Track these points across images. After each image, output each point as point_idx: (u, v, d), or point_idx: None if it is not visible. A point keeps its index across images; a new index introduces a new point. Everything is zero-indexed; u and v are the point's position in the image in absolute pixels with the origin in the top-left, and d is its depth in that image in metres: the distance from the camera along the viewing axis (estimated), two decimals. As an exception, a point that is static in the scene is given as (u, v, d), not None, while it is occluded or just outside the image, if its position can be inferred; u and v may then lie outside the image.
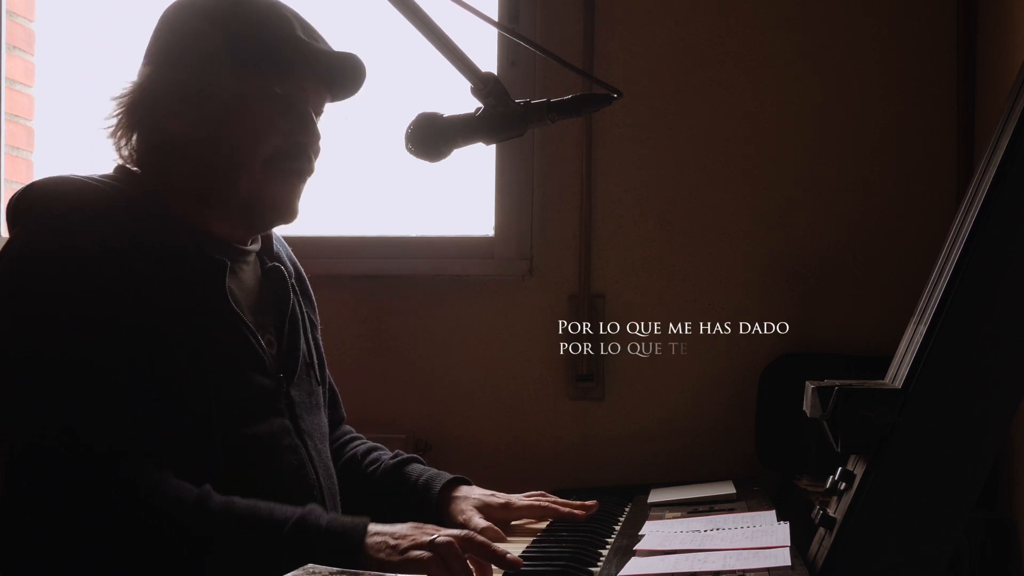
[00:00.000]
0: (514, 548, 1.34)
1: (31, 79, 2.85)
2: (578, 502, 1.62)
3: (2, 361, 1.26)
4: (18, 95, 2.79)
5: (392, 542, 1.22)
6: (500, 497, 1.57)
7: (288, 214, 1.46)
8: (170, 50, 1.41)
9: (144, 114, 1.40)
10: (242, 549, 1.21)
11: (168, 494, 1.22)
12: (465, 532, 1.27)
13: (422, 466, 1.64)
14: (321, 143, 1.46)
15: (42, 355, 1.24)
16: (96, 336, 1.25)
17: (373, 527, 1.25)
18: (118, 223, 1.31)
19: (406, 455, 1.66)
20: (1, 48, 2.71)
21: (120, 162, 1.44)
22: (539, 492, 1.64)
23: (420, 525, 1.27)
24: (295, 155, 1.43)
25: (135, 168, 1.43)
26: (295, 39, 1.41)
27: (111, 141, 1.43)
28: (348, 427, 1.78)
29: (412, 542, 1.22)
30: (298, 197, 1.46)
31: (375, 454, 1.69)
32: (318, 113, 1.47)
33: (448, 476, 1.59)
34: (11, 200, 1.37)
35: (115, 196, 1.35)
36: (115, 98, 1.42)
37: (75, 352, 1.24)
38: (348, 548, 1.21)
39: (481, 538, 1.26)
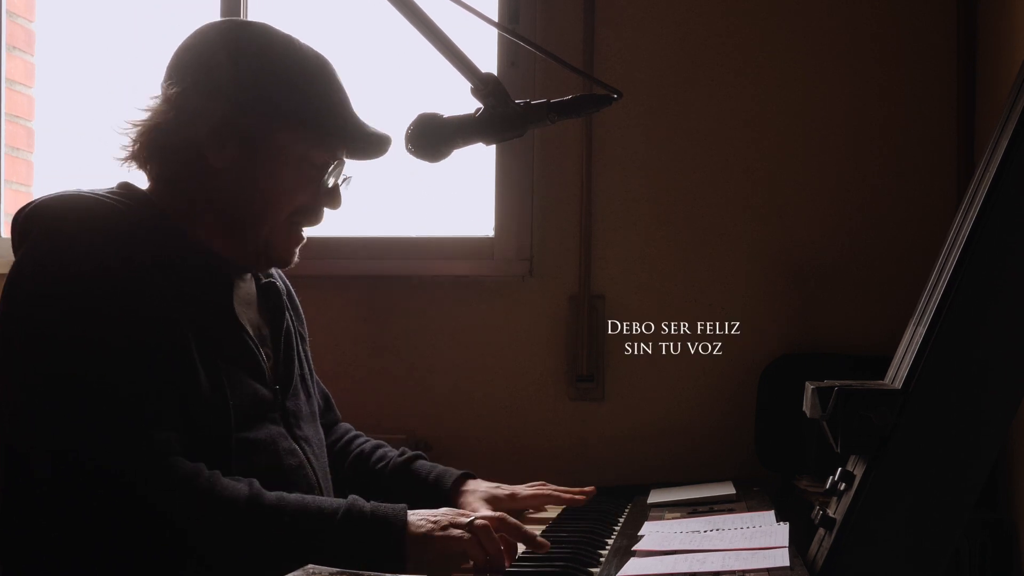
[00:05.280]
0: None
1: (31, 79, 2.85)
2: (577, 488, 1.72)
3: (28, 375, 1.27)
4: (18, 95, 2.79)
5: (433, 519, 1.33)
6: (505, 489, 1.66)
7: (288, 263, 1.52)
8: (227, 84, 1.40)
9: (182, 139, 1.40)
10: (298, 540, 1.27)
11: (222, 494, 1.26)
12: (499, 514, 1.38)
13: (429, 463, 1.71)
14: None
15: (67, 369, 1.25)
16: (117, 345, 1.26)
17: (412, 510, 1.34)
18: (126, 239, 1.33)
19: (411, 452, 1.73)
20: (1, 48, 2.71)
21: (130, 174, 1.46)
22: (540, 483, 1.73)
23: (456, 509, 1.38)
24: (314, 214, 1.50)
25: (145, 181, 1.46)
26: (351, 117, 1.48)
27: (123, 156, 1.43)
28: (347, 425, 1.82)
29: (451, 521, 1.32)
30: (298, 247, 1.52)
31: (381, 451, 1.74)
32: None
33: (457, 472, 1.67)
34: (18, 217, 1.37)
35: (122, 212, 1.36)
36: (137, 122, 1.41)
37: (100, 363, 1.25)
38: (393, 529, 1.30)
39: (513, 520, 1.37)
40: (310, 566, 1.06)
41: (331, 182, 1.49)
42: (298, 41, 1.49)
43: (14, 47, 2.76)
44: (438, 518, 1.32)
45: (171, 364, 1.30)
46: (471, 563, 1.30)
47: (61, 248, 1.30)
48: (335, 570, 1.05)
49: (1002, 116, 1.14)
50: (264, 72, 1.42)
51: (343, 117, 1.47)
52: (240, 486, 1.28)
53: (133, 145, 1.43)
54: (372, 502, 1.34)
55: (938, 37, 2.27)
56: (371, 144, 1.50)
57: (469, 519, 1.32)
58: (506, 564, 1.30)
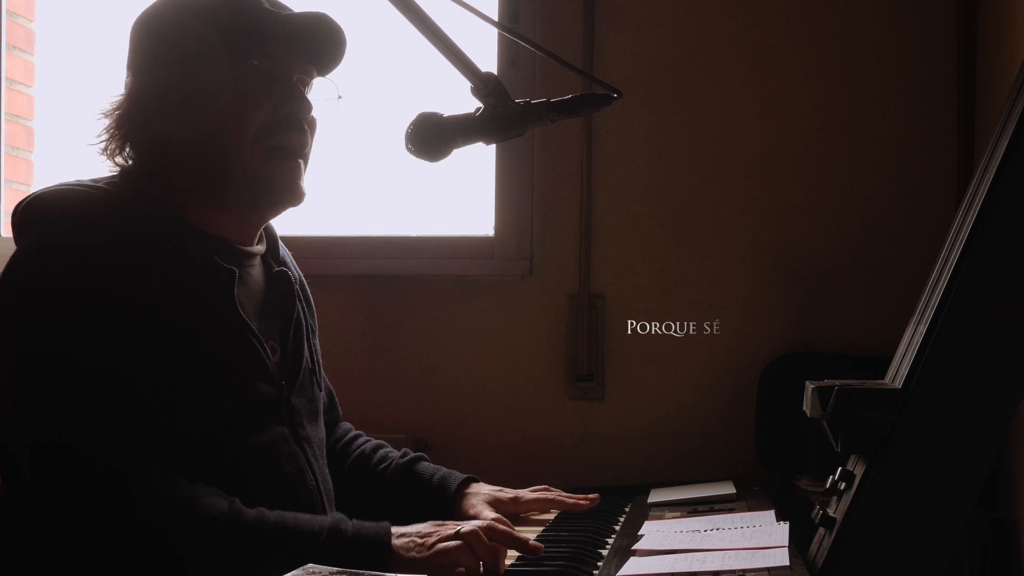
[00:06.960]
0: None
1: (31, 79, 2.85)
2: (581, 495, 1.67)
3: (17, 369, 1.25)
4: (18, 95, 2.79)
5: (419, 540, 1.29)
6: (508, 492, 1.63)
7: (292, 195, 1.43)
8: (147, 56, 1.40)
9: (136, 123, 1.39)
10: (277, 562, 1.20)
11: (201, 511, 1.23)
12: (488, 522, 1.34)
13: (432, 465, 1.68)
14: (313, 114, 1.43)
15: (56, 364, 1.23)
16: (107, 344, 1.24)
17: (396, 529, 1.30)
18: (125, 232, 1.30)
19: (413, 454, 1.70)
20: (1, 48, 2.71)
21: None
22: (544, 487, 1.69)
23: (441, 522, 1.34)
24: (285, 127, 1.39)
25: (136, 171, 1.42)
26: (262, 11, 1.38)
27: (104, 156, 1.41)
28: (348, 424, 1.79)
29: (439, 536, 1.29)
30: (299, 177, 1.43)
31: (382, 452, 1.71)
32: (304, 85, 1.44)
33: (461, 476, 1.64)
34: (17, 210, 1.36)
35: (120, 204, 1.34)
36: (105, 113, 1.40)
37: (87, 361, 1.23)
38: (378, 553, 1.27)
39: (503, 526, 1.34)
40: (310, 565, 1.06)
41: (280, 84, 1.39)
42: None
43: (14, 47, 2.76)
44: (424, 537, 1.29)
45: (158, 371, 1.26)
46: (463, 570, 1.27)
47: (53, 241, 1.28)
48: (335, 570, 1.05)
49: (1002, 116, 1.14)
50: (169, 28, 1.39)
51: (258, 15, 1.38)
52: (220, 503, 1.24)
53: (109, 145, 1.40)
54: (355, 521, 1.30)
55: (938, 37, 2.27)
56: (308, 30, 1.40)
57: (456, 528, 1.28)
58: (500, 568, 1.28)
